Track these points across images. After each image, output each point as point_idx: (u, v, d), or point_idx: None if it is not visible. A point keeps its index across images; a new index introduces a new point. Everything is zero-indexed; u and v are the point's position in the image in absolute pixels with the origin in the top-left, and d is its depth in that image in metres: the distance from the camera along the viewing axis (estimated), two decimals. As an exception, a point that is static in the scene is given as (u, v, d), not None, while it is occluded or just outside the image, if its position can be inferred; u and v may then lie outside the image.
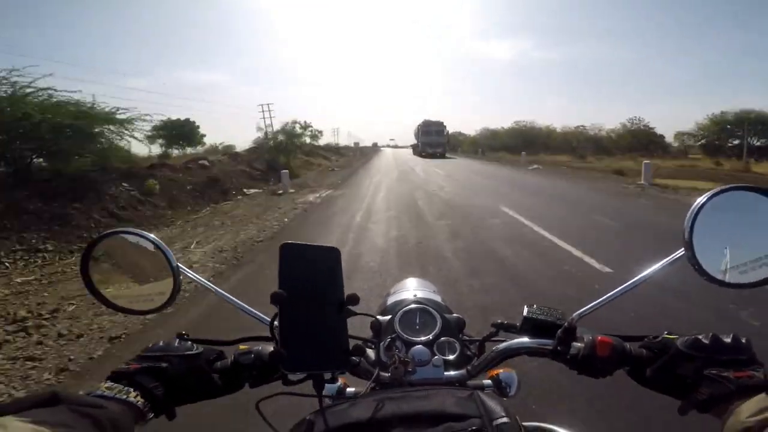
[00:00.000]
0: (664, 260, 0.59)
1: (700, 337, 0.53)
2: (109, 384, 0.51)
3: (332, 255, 0.57)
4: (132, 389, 0.50)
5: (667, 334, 0.57)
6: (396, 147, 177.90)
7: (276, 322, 0.52)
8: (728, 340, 0.52)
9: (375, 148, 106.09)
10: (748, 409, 0.44)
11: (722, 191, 0.56)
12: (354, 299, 0.55)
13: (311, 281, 0.54)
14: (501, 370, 0.68)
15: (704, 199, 0.56)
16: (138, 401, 0.50)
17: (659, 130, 37.84)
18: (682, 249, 0.57)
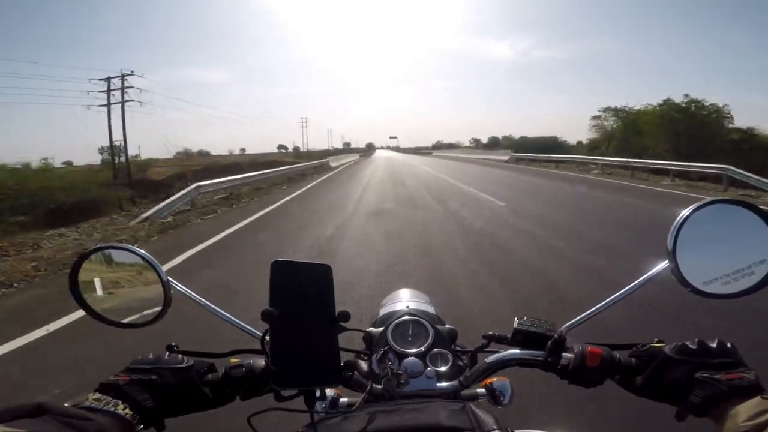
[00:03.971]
0: (650, 272, 0.60)
1: (687, 343, 0.54)
2: (97, 396, 0.50)
3: (324, 272, 0.57)
4: (120, 401, 0.50)
5: (655, 342, 0.58)
6: (397, 149, 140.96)
7: (267, 337, 0.53)
8: (714, 344, 0.53)
9: (361, 153, 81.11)
10: (744, 413, 0.44)
11: (706, 204, 0.57)
12: (345, 316, 0.56)
13: (303, 298, 0.54)
14: (495, 379, 0.68)
15: (688, 212, 0.57)
16: (126, 413, 0.49)
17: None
18: (667, 261, 0.58)
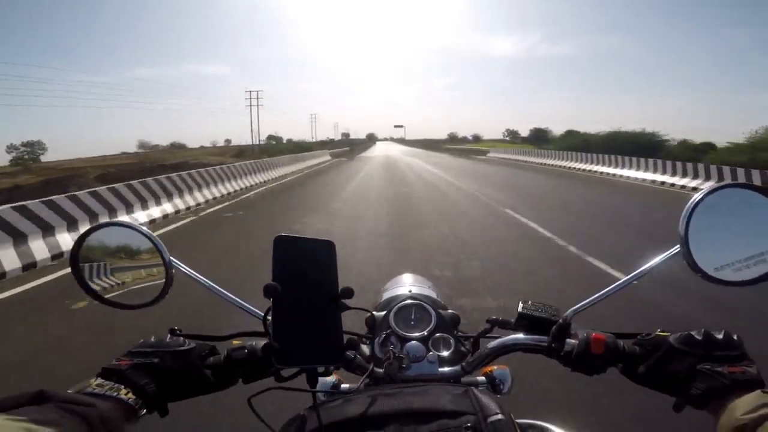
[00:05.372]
0: (660, 257, 0.59)
1: (692, 333, 0.54)
2: (99, 381, 0.50)
3: (327, 248, 0.57)
4: (123, 386, 0.50)
5: (660, 331, 0.58)
6: (404, 142, 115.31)
7: (269, 316, 0.52)
8: (720, 336, 0.52)
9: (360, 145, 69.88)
10: (743, 406, 0.44)
11: (719, 188, 0.56)
12: (349, 292, 0.55)
13: (305, 274, 0.54)
14: (495, 367, 0.68)
15: (701, 196, 0.56)
16: (129, 398, 0.49)
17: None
18: (678, 246, 0.57)
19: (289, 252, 0.54)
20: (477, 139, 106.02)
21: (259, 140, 54.99)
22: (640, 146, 22.42)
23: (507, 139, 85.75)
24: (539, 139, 59.46)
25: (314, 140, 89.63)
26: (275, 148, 47.61)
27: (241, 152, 42.80)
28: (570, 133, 44.47)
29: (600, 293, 0.62)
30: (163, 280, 0.63)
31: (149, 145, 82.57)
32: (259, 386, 0.58)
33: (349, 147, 57.64)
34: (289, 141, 77.20)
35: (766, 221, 0.54)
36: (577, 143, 29.68)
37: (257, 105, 55.43)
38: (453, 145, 67.24)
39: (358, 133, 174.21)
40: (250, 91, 57.62)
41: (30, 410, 0.39)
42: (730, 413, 0.44)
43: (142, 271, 0.65)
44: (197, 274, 0.65)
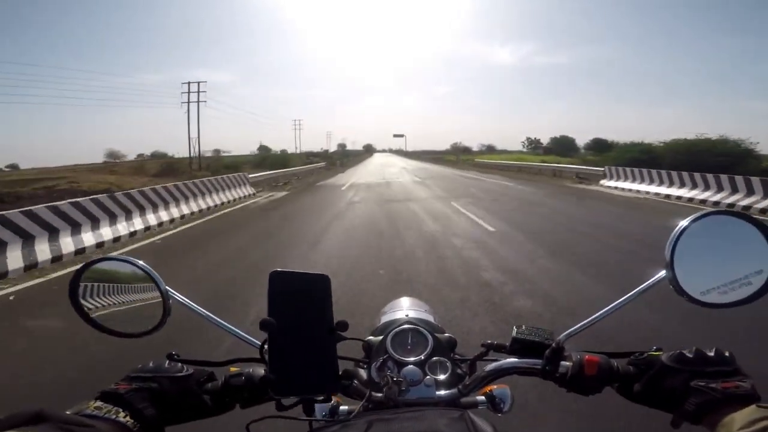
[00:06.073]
0: (648, 281, 0.60)
1: (684, 351, 0.55)
2: (98, 404, 0.50)
3: (322, 281, 0.58)
4: (121, 409, 0.50)
5: (654, 350, 0.59)
6: (404, 153, 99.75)
7: (266, 346, 0.53)
8: (711, 353, 0.54)
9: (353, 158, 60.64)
10: (739, 421, 0.44)
11: (704, 216, 0.58)
12: (343, 325, 0.56)
13: (301, 308, 0.55)
14: (495, 387, 0.68)
15: (687, 223, 0.57)
16: (127, 421, 0.49)
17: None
18: (664, 270, 0.58)
19: (284, 286, 0.55)
20: (491, 149, 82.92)
21: (199, 151, 32.73)
22: (727, 158, 17.30)
23: (528, 149, 66.94)
24: (565, 148, 50.49)
25: (298, 151, 73.31)
26: (221, 163, 33.04)
27: (171, 168, 28.72)
28: (597, 142, 37.69)
29: (591, 318, 0.64)
30: (161, 309, 0.64)
31: (119, 155, 71.23)
32: (256, 411, 0.59)
33: (327, 161, 39.73)
34: (283, 152, 71.52)
35: (750, 246, 0.56)
36: (635, 155, 22.39)
37: (197, 101, 32.69)
38: (474, 158, 46.84)
39: (356, 143, 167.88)
40: (189, 83, 33.02)
41: (27, 430, 0.39)
42: (726, 428, 0.45)
43: (140, 301, 0.65)
44: (194, 304, 0.66)
